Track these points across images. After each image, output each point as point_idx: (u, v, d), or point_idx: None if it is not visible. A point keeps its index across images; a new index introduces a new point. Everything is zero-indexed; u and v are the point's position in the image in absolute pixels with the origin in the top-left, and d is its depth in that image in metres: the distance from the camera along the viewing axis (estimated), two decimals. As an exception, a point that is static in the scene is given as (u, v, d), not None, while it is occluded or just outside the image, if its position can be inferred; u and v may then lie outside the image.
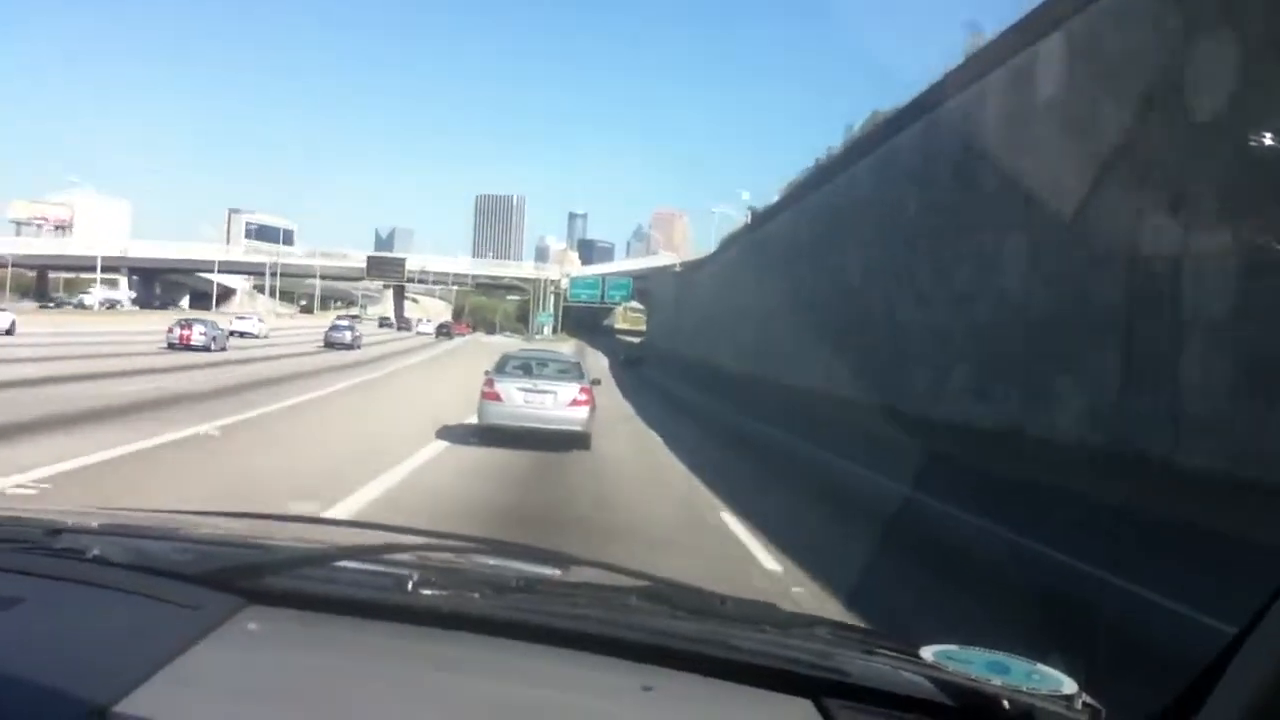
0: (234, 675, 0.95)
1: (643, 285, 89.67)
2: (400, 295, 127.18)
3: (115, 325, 46.40)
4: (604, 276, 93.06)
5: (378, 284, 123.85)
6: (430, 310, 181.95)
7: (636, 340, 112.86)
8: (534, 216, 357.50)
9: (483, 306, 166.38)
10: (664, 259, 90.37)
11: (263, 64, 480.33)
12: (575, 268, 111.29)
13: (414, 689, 0.95)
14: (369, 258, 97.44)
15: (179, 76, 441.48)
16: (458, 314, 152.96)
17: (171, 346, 29.84)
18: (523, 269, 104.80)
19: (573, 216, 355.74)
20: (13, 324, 33.08)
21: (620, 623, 1.18)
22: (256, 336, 45.23)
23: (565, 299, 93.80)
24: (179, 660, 0.90)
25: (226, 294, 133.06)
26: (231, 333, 39.10)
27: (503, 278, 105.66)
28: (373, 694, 0.93)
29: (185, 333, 30.84)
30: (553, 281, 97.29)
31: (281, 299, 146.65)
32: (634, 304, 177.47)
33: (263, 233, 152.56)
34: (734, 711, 0.98)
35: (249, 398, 16.53)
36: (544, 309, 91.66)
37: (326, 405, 17.64)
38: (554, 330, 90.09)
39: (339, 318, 58.77)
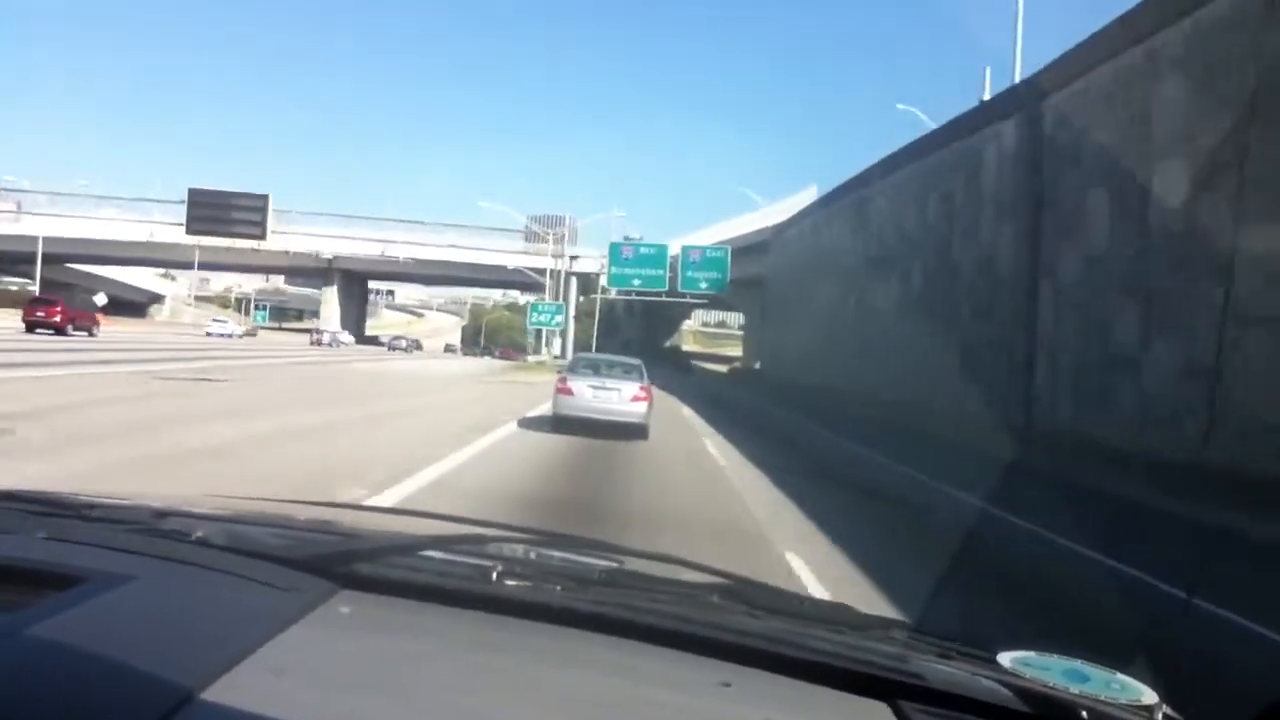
0: (326, 656, 0.99)
1: (747, 272, 45.66)
2: (361, 296, 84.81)
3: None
4: (677, 255, 48.13)
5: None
6: (436, 327, 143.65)
7: (723, 369, 68.73)
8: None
9: (507, 324, 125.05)
10: (791, 205, 45.35)
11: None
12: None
13: (496, 677, 0.99)
14: (190, 192, 53.20)
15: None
16: (474, 332, 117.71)
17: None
18: (533, 256, 59.22)
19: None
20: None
21: (699, 619, 1.17)
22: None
23: (604, 288, 49.66)
24: (276, 639, 0.95)
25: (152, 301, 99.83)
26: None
27: (502, 267, 61.23)
28: (456, 679, 0.98)
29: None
30: (576, 272, 53.22)
31: (224, 307, 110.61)
32: (703, 324, 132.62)
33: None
34: (810, 711, 0.98)
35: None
36: (562, 306, 47.06)
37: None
38: (568, 348, 46.33)
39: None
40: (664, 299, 48.78)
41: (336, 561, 1.20)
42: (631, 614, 1.13)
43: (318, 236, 62.10)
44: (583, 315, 75.76)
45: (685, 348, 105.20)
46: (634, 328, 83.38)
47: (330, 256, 74.44)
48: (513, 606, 1.12)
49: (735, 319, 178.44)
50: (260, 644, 0.92)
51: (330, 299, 77.72)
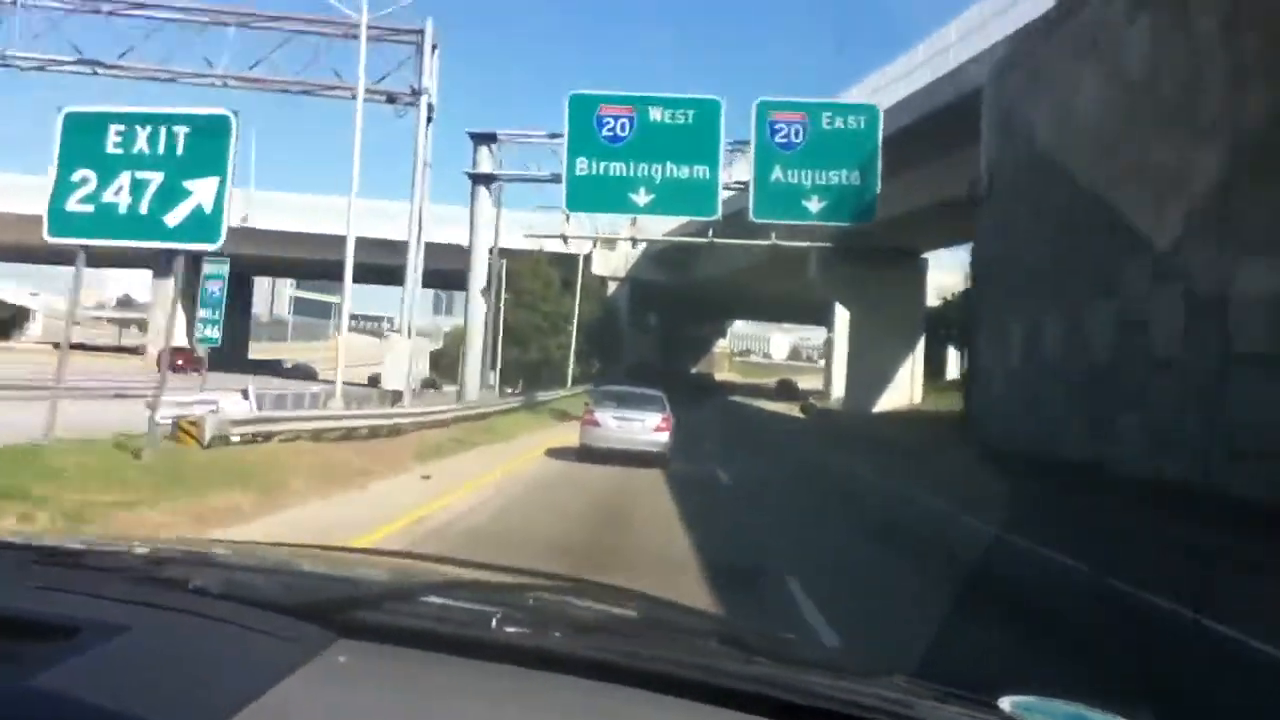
0: (324, 708, 1.00)
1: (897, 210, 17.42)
2: (240, 298, 57.48)
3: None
4: (736, 167, 19.51)
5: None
6: (396, 352, 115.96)
7: (792, 410, 40.38)
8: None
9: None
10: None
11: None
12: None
13: None
14: None
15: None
16: (454, 359, 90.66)
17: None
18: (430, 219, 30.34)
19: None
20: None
21: (700, 666, 1.19)
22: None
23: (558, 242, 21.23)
24: (273, 690, 0.95)
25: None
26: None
27: (395, 243, 32.55)
28: None
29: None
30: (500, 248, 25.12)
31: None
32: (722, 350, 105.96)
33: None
34: None
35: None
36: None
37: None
38: (468, 383, 19.26)
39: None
40: (710, 240, 19.71)
41: (334, 608, 1.19)
42: (632, 661, 1.13)
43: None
44: (561, 324, 47.60)
45: (720, 377, 76.79)
46: (645, 346, 55.21)
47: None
48: (514, 654, 1.11)
49: (763, 344, 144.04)
50: (257, 695, 0.91)
51: (163, 300, 49.71)
